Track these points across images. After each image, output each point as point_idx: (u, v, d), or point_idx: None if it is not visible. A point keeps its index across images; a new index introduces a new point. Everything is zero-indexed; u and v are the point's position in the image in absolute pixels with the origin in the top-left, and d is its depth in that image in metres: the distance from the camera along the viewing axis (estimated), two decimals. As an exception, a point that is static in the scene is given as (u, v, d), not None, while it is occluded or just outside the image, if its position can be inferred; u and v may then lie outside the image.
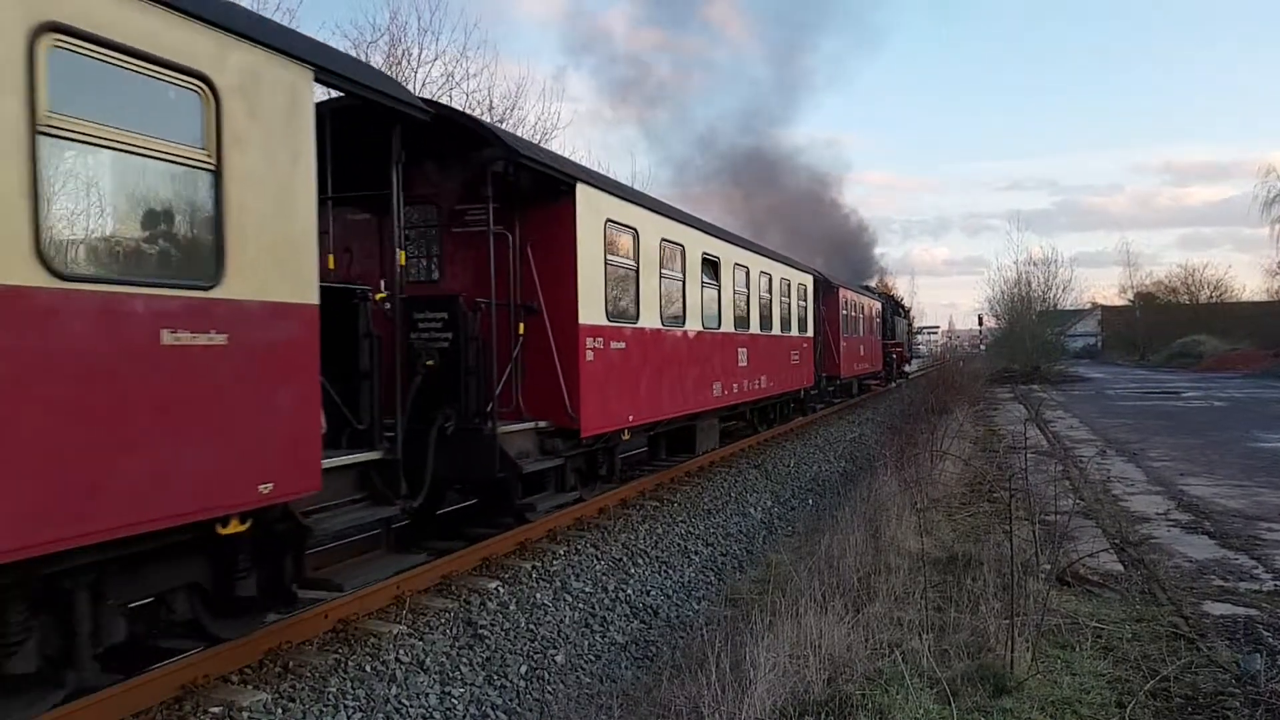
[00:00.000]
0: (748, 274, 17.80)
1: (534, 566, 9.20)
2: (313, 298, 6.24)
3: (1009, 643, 5.67)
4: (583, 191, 10.52)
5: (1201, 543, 9.73)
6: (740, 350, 17.01)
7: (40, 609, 4.99)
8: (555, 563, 9.46)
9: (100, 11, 4.76)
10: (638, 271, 12.15)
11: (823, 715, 5.16)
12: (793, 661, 5.69)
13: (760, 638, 5.87)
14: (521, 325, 10.02)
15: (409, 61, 22.96)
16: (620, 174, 36.08)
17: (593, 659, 7.85)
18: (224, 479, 5.52)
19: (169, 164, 5.29)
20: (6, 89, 4.31)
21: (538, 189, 10.06)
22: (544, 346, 10.18)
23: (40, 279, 4.40)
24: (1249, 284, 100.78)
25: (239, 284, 5.59)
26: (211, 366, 5.41)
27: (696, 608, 9.53)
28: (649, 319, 12.50)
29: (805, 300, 23.43)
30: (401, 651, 6.89)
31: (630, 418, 11.85)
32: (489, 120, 17.00)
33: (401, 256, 7.82)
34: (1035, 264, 57.63)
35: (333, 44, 8.73)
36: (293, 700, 5.97)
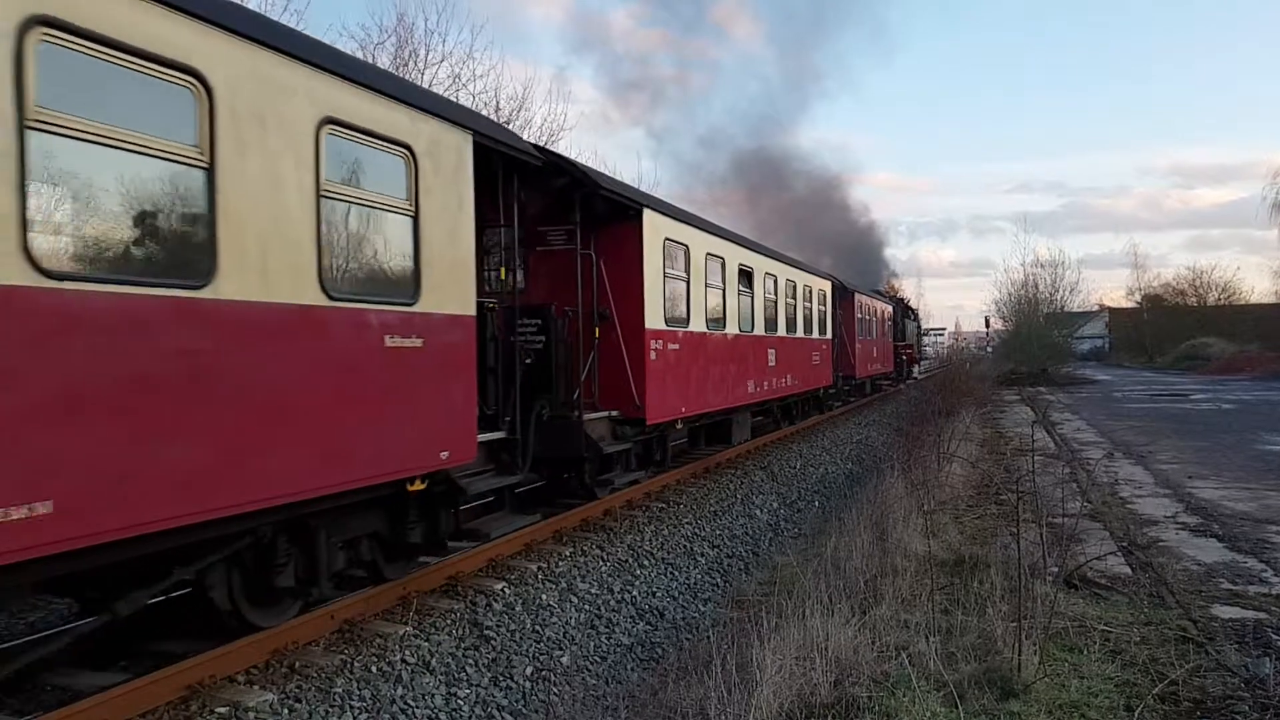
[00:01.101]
0: (775, 281, 19.39)
1: (540, 567, 9.20)
2: (472, 310, 8.19)
3: (1016, 646, 5.65)
4: (648, 215, 12.35)
5: (1210, 546, 9.70)
6: (770, 351, 18.58)
7: (295, 542, 6.77)
8: (561, 564, 9.46)
9: (365, 110, 6.83)
10: (688, 281, 13.91)
11: (829, 718, 5.15)
12: (799, 664, 5.67)
13: (766, 640, 5.86)
14: (596, 329, 11.68)
15: (416, 63, 22.98)
16: (625, 175, 36.12)
17: (598, 660, 7.84)
18: (418, 447, 7.38)
19: (393, 213, 7.26)
20: (302, 163, 6.38)
21: (611, 214, 11.78)
22: (615, 347, 11.87)
23: (323, 300, 6.33)
24: (1257, 286, 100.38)
25: (429, 300, 7.49)
26: (413, 362, 7.28)
27: (702, 610, 9.52)
28: (697, 323, 14.27)
29: (824, 305, 24.78)
30: (408, 652, 6.89)
31: (683, 409, 13.65)
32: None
33: (503, 273, 9.40)
34: (1042, 266, 57.60)
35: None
36: (299, 701, 5.97)
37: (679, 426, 14.17)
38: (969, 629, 6.39)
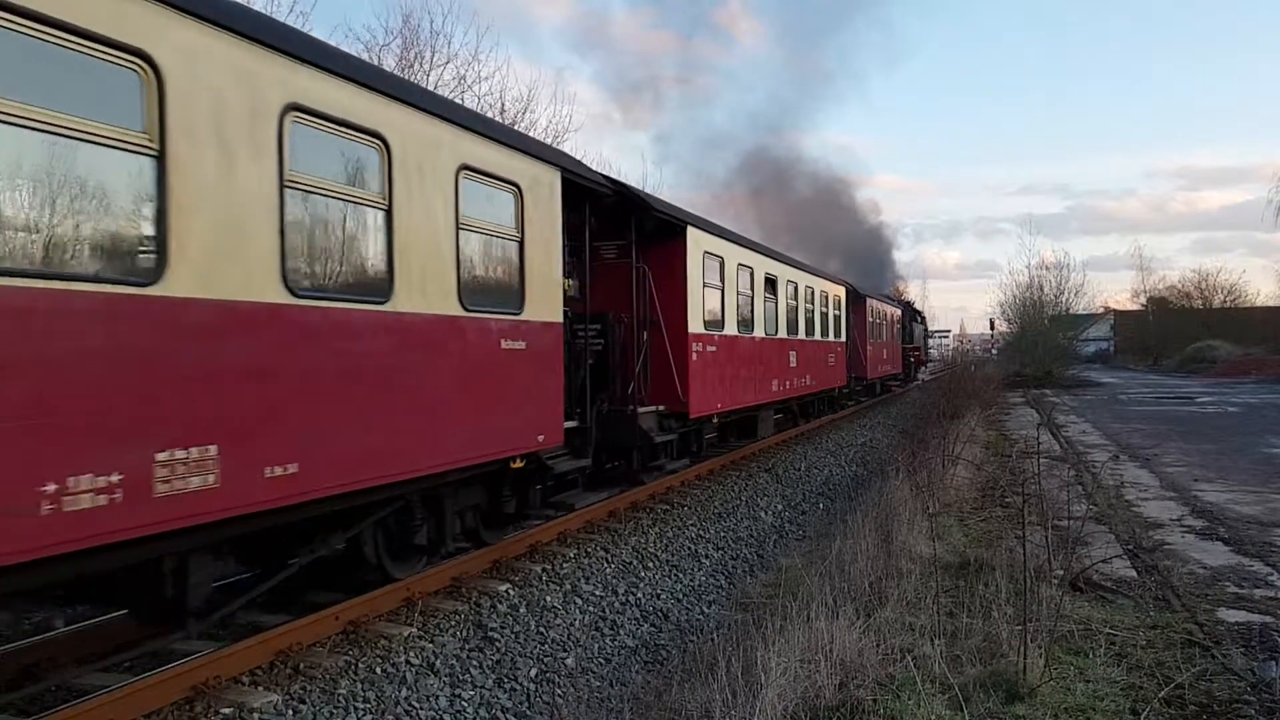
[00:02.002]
0: (796, 288, 21.01)
1: (544, 569, 9.21)
2: (560, 318, 9.79)
3: (1022, 649, 5.63)
4: (690, 231, 13.92)
5: (1216, 549, 9.67)
6: (791, 353, 20.14)
7: (427, 508, 8.22)
8: (565, 565, 9.46)
9: (489, 156, 8.47)
10: (723, 290, 15.44)
11: (834, 720, 5.14)
12: (804, 666, 5.66)
13: (771, 642, 5.85)
14: (646, 333, 13.08)
15: (421, 64, 23.02)
16: (630, 177, 36.16)
17: (603, 662, 7.84)
18: (521, 431, 8.97)
19: (505, 239, 8.87)
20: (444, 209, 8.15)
21: (658, 231, 13.23)
22: (661, 349, 13.35)
23: (460, 311, 7.94)
24: (1263, 289, 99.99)
25: (530, 310, 9.09)
26: (519, 361, 8.87)
27: (707, 612, 9.51)
28: (730, 328, 15.75)
29: (839, 309, 26.19)
30: (412, 654, 6.89)
31: (719, 405, 15.15)
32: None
33: (566, 284, 10.30)
34: (1047, 268, 57.37)
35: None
36: (303, 702, 5.98)
37: (715, 420, 15.50)
38: (974, 632, 6.37)
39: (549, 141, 22.16)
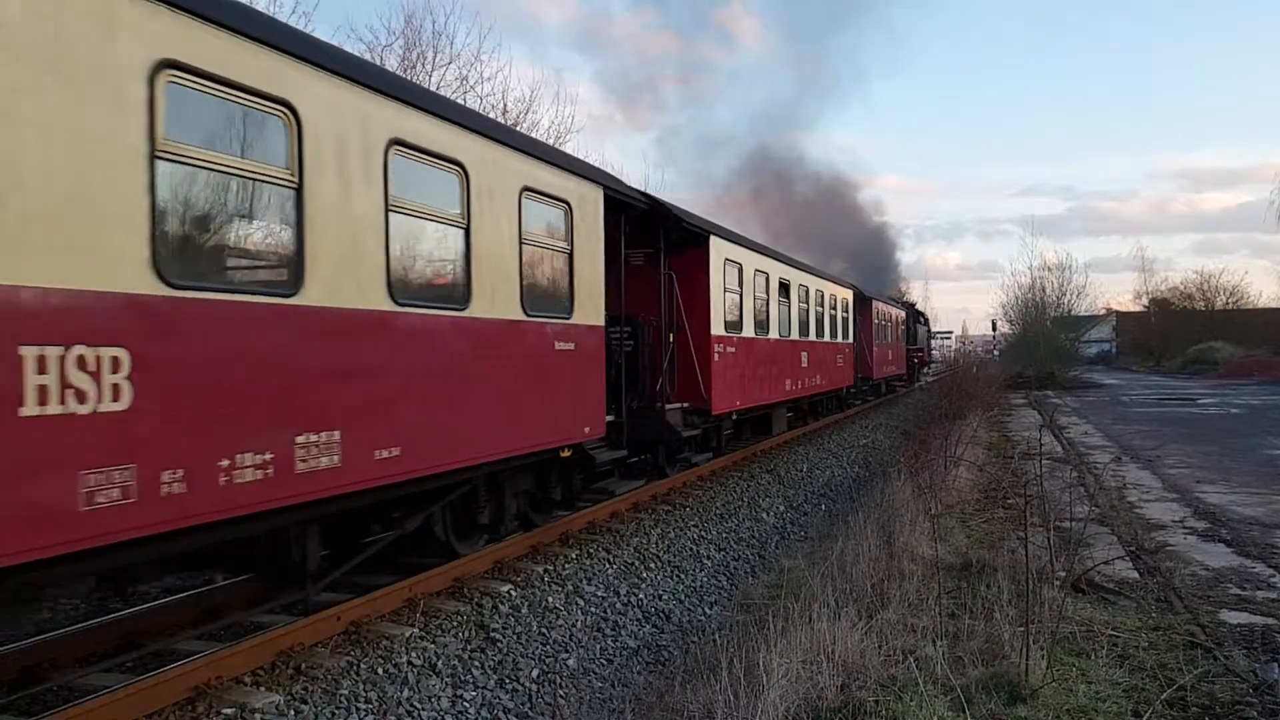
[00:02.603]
0: (808, 291, 21.89)
1: (546, 570, 9.21)
2: (602, 321, 10.69)
3: (1024, 650, 5.63)
4: (713, 240, 14.84)
5: (1218, 550, 9.67)
6: (803, 354, 21.04)
7: (489, 491, 9.13)
8: (567, 566, 9.46)
9: (546, 178, 9.38)
10: (741, 294, 16.35)
11: (836, 722, 5.14)
12: (806, 667, 5.66)
13: (773, 643, 5.85)
14: (672, 335, 13.72)
15: (424, 65, 23.02)
16: (631, 177, 36.17)
17: (605, 663, 7.84)
18: (570, 423, 9.89)
19: (557, 250, 9.78)
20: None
21: (684, 240, 14.03)
22: (686, 350, 14.13)
23: (522, 316, 8.88)
24: (1265, 290, 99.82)
25: (578, 315, 10.03)
26: (569, 361, 9.80)
27: (709, 613, 9.51)
28: (748, 330, 16.68)
29: (847, 312, 27.00)
30: (414, 654, 6.89)
31: (738, 403, 16.02)
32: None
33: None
34: (1049, 269, 57.41)
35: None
36: (305, 702, 5.98)
37: (734, 417, 16.51)
38: (976, 633, 6.37)
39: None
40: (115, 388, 4.86)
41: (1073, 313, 59.02)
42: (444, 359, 7.68)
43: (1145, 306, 79.30)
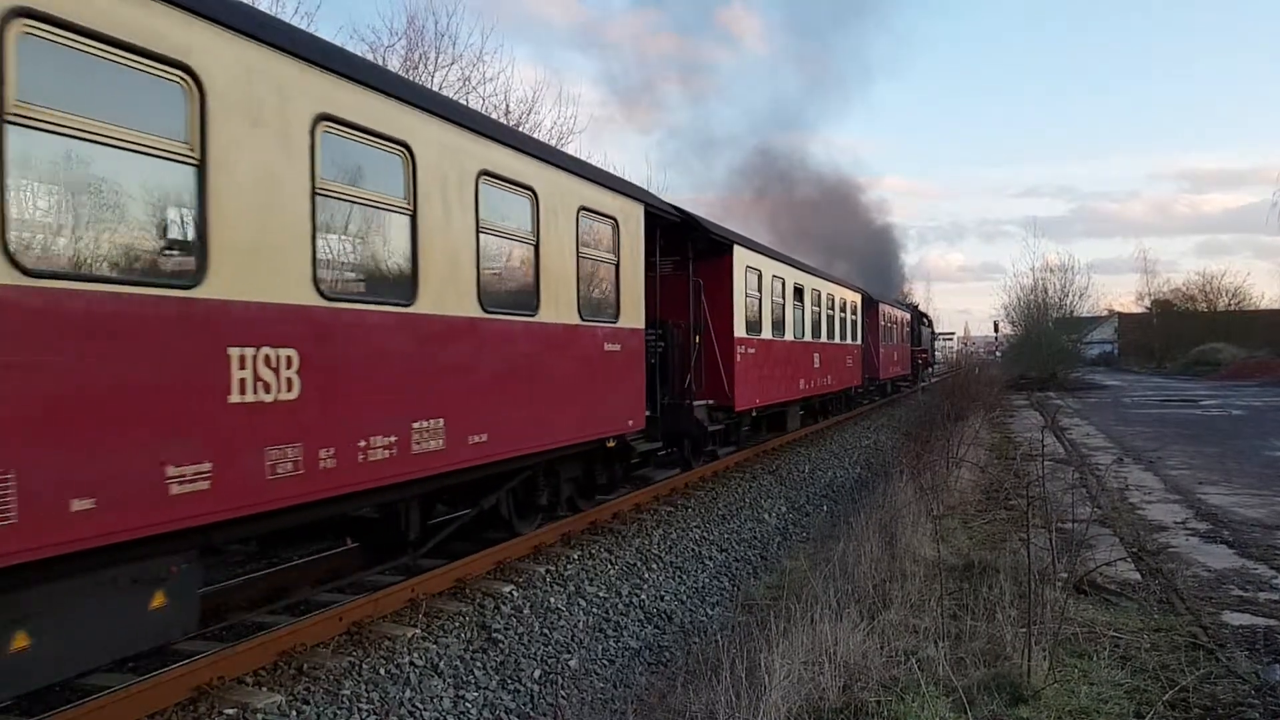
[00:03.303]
0: (820, 295, 22.98)
1: (548, 570, 9.20)
2: (643, 324, 11.85)
3: (1026, 651, 5.63)
4: (736, 249, 15.94)
5: (1220, 552, 9.66)
6: (815, 355, 22.15)
7: (546, 476, 10.21)
8: (569, 567, 9.46)
9: (597, 197, 10.55)
10: (760, 299, 17.46)
11: (838, 723, 5.14)
12: (808, 669, 5.66)
13: (775, 644, 5.84)
14: (698, 337, 14.75)
15: (426, 65, 23.04)
16: (634, 177, 36.09)
17: (606, 664, 7.84)
18: (616, 416, 10.96)
19: (606, 262, 10.87)
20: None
21: (709, 249, 15.15)
22: (711, 351, 15.12)
23: (579, 320, 9.99)
24: (1268, 292, 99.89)
25: (623, 319, 11.15)
26: (616, 359, 10.91)
27: (711, 614, 9.51)
28: (766, 332, 17.79)
29: (855, 314, 28.02)
30: (416, 654, 6.89)
31: (757, 400, 17.10)
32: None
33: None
34: (1052, 270, 57.38)
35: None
36: (307, 703, 5.98)
37: (754, 414, 17.60)
38: (978, 634, 6.37)
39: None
40: (289, 381, 6.00)
41: (1075, 314, 59.01)
42: (519, 358, 8.85)
43: (1147, 308, 79.26)
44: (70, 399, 4.65)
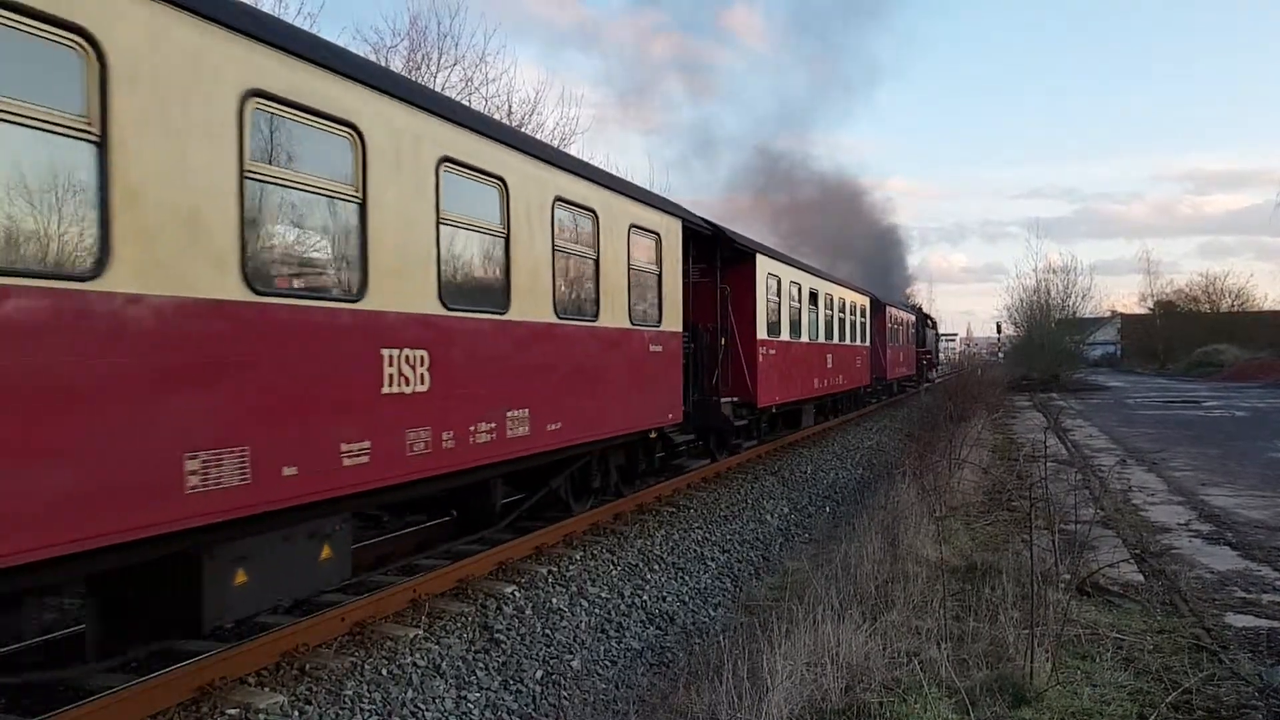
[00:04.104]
0: (832, 299, 24.22)
1: (550, 571, 9.20)
2: (681, 327, 13.20)
3: (1028, 653, 5.62)
4: (759, 258, 17.28)
5: (1223, 554, 9.64)
6: (828, 356, 23.36)
7: (599, 462, 11.52)
8: (571, 568, 9.46)
9: (644, 215, 11.83)
10: (780, 303, 18.75)
11: (840, 724, 5.13)
12: (810, 670, 5.66)
13: (777, 645, 5.84)
14: (724, 339, 15.86)
15: (428, 66, 23.06)
16: (636, 177, 36.08)
17: (608, 665, 7.84)
18: (658, 410, 12.26)
19: (650, 273, 12.08)
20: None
21: (734, 257, 16.34)
22: (735, 352, 16.37)
23: (630, 325, 11.25)
24: (1270, 293, 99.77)
25: (665, 323, 12.48)
26: (658, 359, 12.23)
27: (713, 615, 9.50)
28: (784, 334, 19.04)
29: (864, 317, 29.20)
30: (418, 655, 6.89)
31: (777, 398, 18.46)
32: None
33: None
34: (1054, 271, 57.31)
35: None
36: (309, 703, 5.98)
37: (773, 410, 18.91)
38: (981, 635, 6.36)
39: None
40: (422, 376, 7.27)
41: (1077, 315, 58.92)
42: (584, 357, 10.17)
43: (1150, 309, 79.16)
44: (280, 389, 5.90)
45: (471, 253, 8.35)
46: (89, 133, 4.73)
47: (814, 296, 21.89)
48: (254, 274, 5.69)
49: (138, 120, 4.97)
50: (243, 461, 5.56)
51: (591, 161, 12.71)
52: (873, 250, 72.36)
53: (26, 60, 4.55)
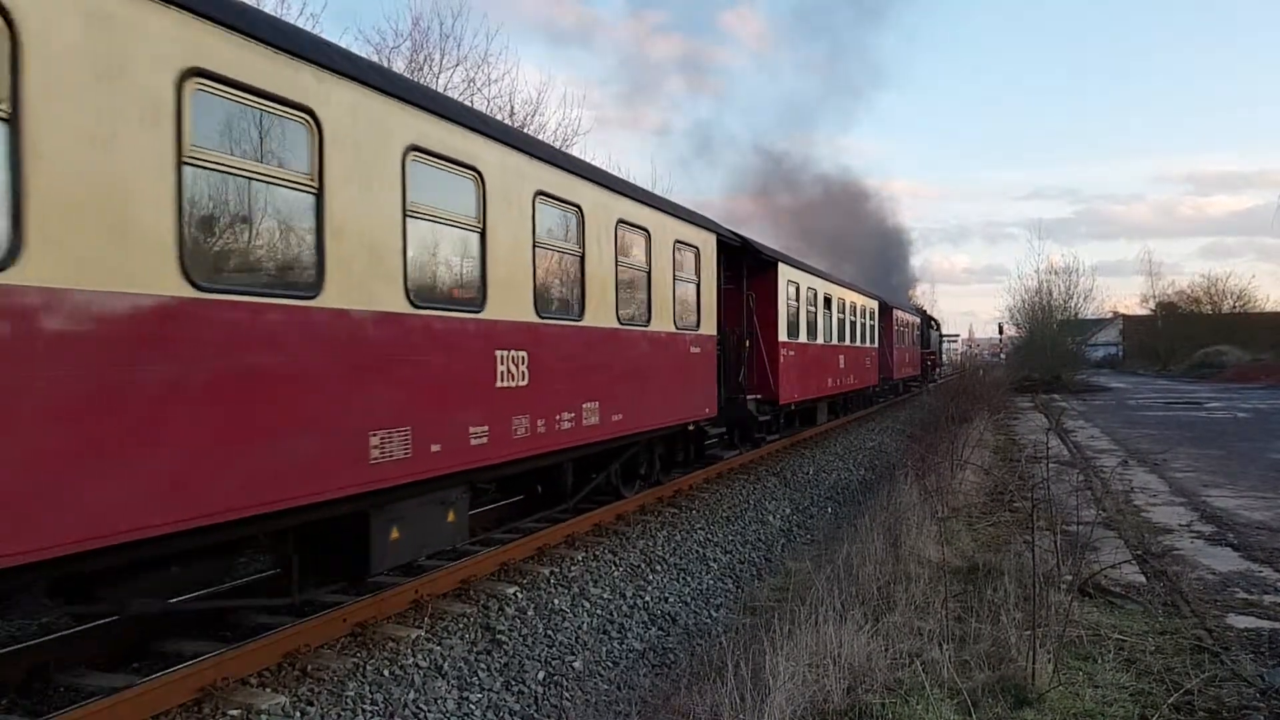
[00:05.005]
0: (844, 303, 25.42)
1: (552, 572, 9.21)
2: (716, 331, 14.62)
3: (1030, 654, 5.62)
4: (780, 266, 18.59)
5: (1225, 555, 9.64)
6: (841, 357, 24.67)
7: (646, 451, 12.97)
8: (573, 568, 9.46)
9: (685, 231, 13.35)
10: (798, 308, 20.05)
11: (842, 725, 5.13)
12: (812, 671, 5.65)
13: (779, 646, 5.84)
14: (747, 341, 17.34)
15: (431, 67, 23.08)
16: (638, 178, 36.10)
17: (610, 665, 7.84)
18: (697, 405, 13.59)
19: (691, 283, 13.57)
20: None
21: (757, 266, 17.86)
22: (758, 354, 17.76)
23: (675, 329, 12.79)
24: (1272, 294, 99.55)
25: (703, 327, 13.87)
26: (697, 360, 13.59)
27: (715, 615, 9.50)
28: (802, 337, 20.36)
29: (872, 320, 30.38)
30: (420, 656, 6.90)
31: (796, 395, 19.81)
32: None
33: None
34: (1056, 272, 57.34)
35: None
36: (311, 704, 5.99)
37: (792, 408, 20.37)
38: (983, 637, 6.36)
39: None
40: (523, 373, 8.75)
41: (1079, 316, 58.93)
42: (639, 358, 11.57)
43: (1152, 310, 79.11)
44: (431, 382, 7.39)
45: (556, 269, 9.77)
46: (310, 187, 6.16)
47: (828, 301, 23.04)
48: (413, 290, 7.14)
49: (342, 175, 6.38)
50: (407, 439, 7.03)
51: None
52: (875, 251, 72.40)
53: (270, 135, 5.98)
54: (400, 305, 6.97)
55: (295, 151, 6.04)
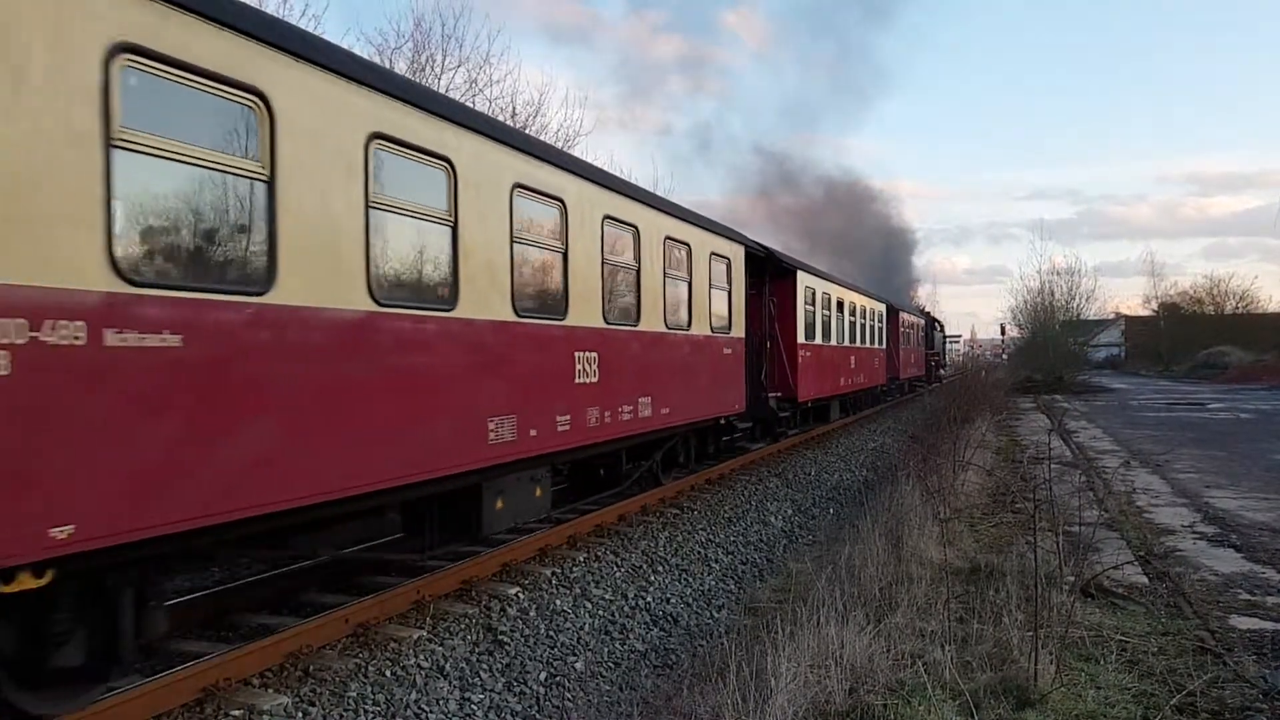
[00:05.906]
0: (855, 307, 26.95)
1: (554, 573, 9.21)
2: (744, 334, 15.94)
3: (1032, 655, 5.62)
4: (799, 273, 20.09)
5: (1228, 556, 9.63)
6: (852, 358, 26.08)
7: (683, 442, 14.56)
8: (575, 569, 9.46)
9: (719, 244, 15.00)
10: (814, 311, 21.47)
11: (844, 726, 5.13)
12: (814, 671, 5.65)
13: (781, 647, 5.84)
14: (768, 343, 18.54)
15: (433, 68, 23.10)
16: (642, 178, 36.10)
17: (612, 666, 7.84)
18: (728, 401, 15.04)
19: (723, 291, 15.06)
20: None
21: (777, 272, 19.12)
22: (778, 354, 19.10)
23: (710, 333, 14.27)
24: (1275, 295, 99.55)
25: (733, 330, 15.30)
26: (729, 360, 15.06)
27: (717, 616, 9.50)
28: (818, 338, 21.70)
29: (880, 322, 31.97)
30: (422, 656, 6.90)
31: (812, 394, 21.16)
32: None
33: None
34: (1058, 273, 57.20)
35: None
36: (313, 704, 5.99)
37: (809, 405, 21.67)
38: (985, 638, 6.35)
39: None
40: (595, 371, 10.16)
41: (1081, 317, 58.82)
42: (683, 357, 12.98)
43: (1154, 311, 79.03)
44: (531, 377, 8.84)
45: (618, 281, 11.10)
46: (448, 220, 7.65)
47: (840, 305, 24.46)
48: (517, 302, 8.56)
49: (470, 210, 7.90)
50: (514, 424, 8.44)
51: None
52: (877, 251, 72.39)
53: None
54: (509, 315, 8.44)
55: (438, 193, 7.51)
